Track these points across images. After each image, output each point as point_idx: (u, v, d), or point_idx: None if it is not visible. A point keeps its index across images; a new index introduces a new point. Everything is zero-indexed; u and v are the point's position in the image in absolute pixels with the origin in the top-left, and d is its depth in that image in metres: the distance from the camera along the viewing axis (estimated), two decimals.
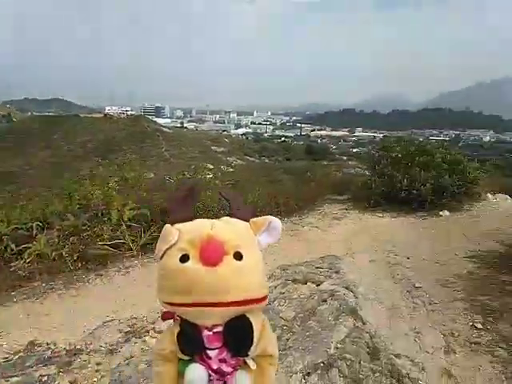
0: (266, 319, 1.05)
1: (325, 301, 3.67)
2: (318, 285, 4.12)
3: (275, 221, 1.05)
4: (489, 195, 7.83)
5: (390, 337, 3.26)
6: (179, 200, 1.06)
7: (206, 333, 0.96)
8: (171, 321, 1.01)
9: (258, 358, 1.03)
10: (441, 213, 6.53)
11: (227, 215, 1.06)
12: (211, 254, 0.92)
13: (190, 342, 0.96)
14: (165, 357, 1.01)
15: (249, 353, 0.97)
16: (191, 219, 1.01)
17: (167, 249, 0.96)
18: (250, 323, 0.97)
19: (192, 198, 1.08)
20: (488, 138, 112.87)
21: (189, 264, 0.93)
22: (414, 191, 6.52)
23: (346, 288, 4.02)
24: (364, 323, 3.30)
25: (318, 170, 14.89)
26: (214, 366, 0.97)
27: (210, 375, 0.97)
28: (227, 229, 0.99)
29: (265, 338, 1.02)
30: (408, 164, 6.99)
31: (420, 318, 3.53)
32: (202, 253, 0.92)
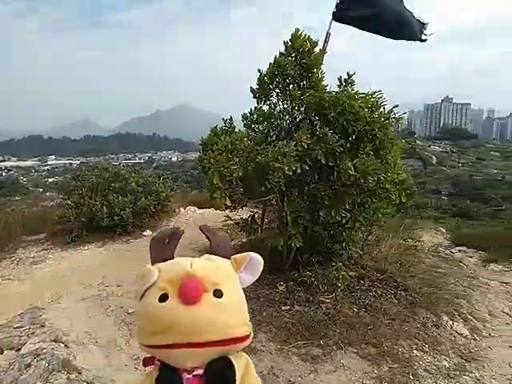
0: (250, 360, 0.99)
1: (29, 365, 3.12)
2: (18, 349, 3.45)
3: (256, 257, 1.04)
4: (181, 209, 8.95)
5: (110, 373, 3.14)
6: (161, 240, 1.02)
7: (185, 376, 0.91)
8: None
9: None
10: (144, 233, 6.93)
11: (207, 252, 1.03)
12: (190, 292, 0.89)
13: None
14: None
15: None
16: (171, 258, 0.99)
17: (147, 289, 0.92)
18: (232, 365, 0.93)
19: (174, 239, 1.04)
20: (175, 158, 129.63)
21: (167, 303, 0.90)
22: (116, 217, 6.59)
23: (55, 341, 3.57)
24: (80, 372, 3.02)
25: (6, 207, 12.55)
26: None
27: None
28: (207, 266, 0.97)
29: (248, 381, 0.98)
30: (105, 191, 6.99)
31: (137, 343, 3.59)
32: (181, 291, 0.89)
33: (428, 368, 3.27)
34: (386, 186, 4.30)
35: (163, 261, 1.00)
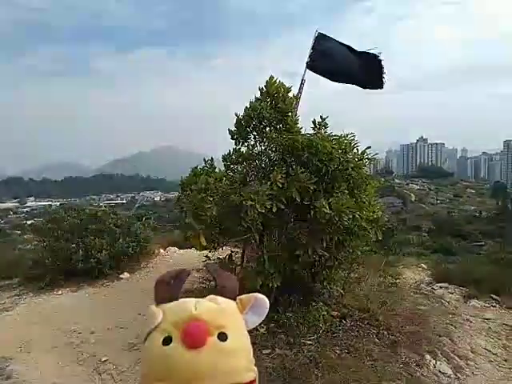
0: None
1: None
2: None
3: (261, 298, 0.98)
4: (161, 250, 8.80)
5: None
6: (166, 281, 0.98)
7: None
8: None
9: None
10: (121, 276, 6.74)
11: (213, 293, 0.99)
12: (194, 336, 0.86)
13: None
14: None
15: None
16: (177, 299, 0.94)
17: (150, 331, 0.88)
18: None
19: (180, 280, 1.00)
20: (159, 198, 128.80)
21: (171, 347, 0.85)
22: (92, 260, 6.43)
23: None
24: None
25: None
26: None
27: None
28: (212, 308, 0.93)
29: None
30: (82, 233, 6.85)
31: None
32: (185, 334, 0.86)
33: None
34: (361, 224, 4.38)
35: (168, 302, 0.96)
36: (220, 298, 0.98)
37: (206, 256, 5.08)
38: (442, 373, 3.92)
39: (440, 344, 4.55)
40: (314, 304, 4.60)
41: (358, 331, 4.41)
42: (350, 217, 4.10)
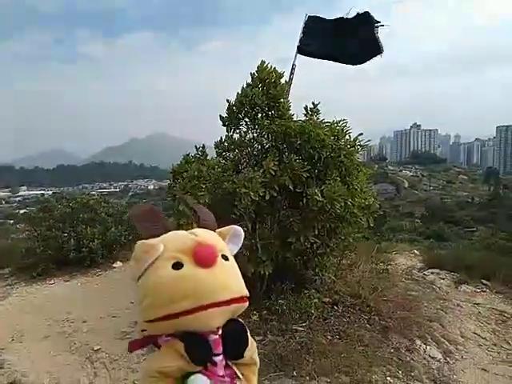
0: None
1: None
2: None
3: (238, 229, 1.11)
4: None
5: None
6: (147, 217, 1.04)
7: (212, 337, 0.95)
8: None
9: (243, 368, 1.01)
10: (114, 265, 6.72)
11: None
12: (207, 256, 0.94)
13: (202, 350, 0.93)
14: (166, 373, 0.93)
15: (244, 354, 0.99)
16: (164, 233, 1.00)
17: (152, 263, 0.94)
18: (244, 324, 1.01)
19: (156, 215, 1.06)
20: (152, 186, 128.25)
21: (185, 269, 0.92)
22: (84, 249, 6.39)
23: (13, 383, 3.35)
24: None
25: None
26: (220, 373, 0.96)
27: None
28: (210, 235, 1.03)
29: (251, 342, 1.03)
30: (74, 222, 6.80)
31: (102, 382, 3.41)
32: (198, 256, 0.93)
33: None
34: (353, 211, 4.37)
35: (157, 235, 1.00)
36: (205, 230, 1.08)
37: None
38: (432, 357, 3.97)
39: (430, 329, 4.61)
40: (305, 291, 4.62)
41: (349, 317, 4.45)
42: (342, 204, 4.09)
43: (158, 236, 1.00)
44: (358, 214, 4.46)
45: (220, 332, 0.96)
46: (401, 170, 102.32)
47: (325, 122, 4.59)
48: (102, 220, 6.87)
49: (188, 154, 6.02)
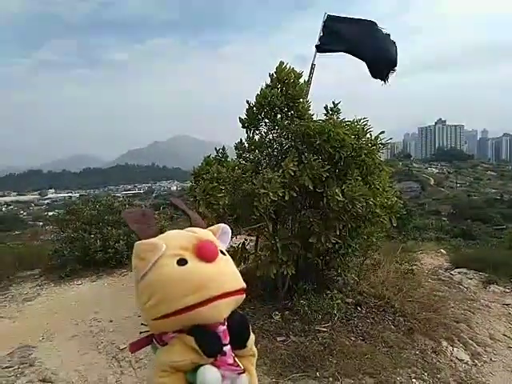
0: None
1: None
2: None
3: (226, 227, 1.16)
4: None
5: None
6: (140, 219, 1.09)
7: (221, 328, 0.99)
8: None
9: (242, 360, 1.06)
10: None
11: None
12: (210, 251, 0.99)
13: (213, 342, 0.96)
14: (178, 367, 0.97)
15: (247, 344, 1.06)
16: (158, 234, 1.04)
17: (155, 261, 0.96)
18: (244, 315, 1.07)
19: (149, 217, 1.10)
20: (175, 187, 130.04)
21: (190, 265, 0.96)
22: (110, 250, 6.56)
23: (43, 380, 3.49)
24: None
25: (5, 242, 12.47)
26: (230, 361, 1.00)
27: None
28: (207, 232, 1.09)
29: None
30: (99, 224, 6.98)
31: (128, 380, 3.49)
32: (201, 251, 0.98)
33: None
34: (375, 211, 4.31)
35: (154, 236, 1.05)
36: (199, 228, 1.13)
37: None
38: (459, 360, 3.87)
39: (457, 330, 4.49)
40: (328, 291, 4.59)
41: (373, 318, 4.39)
42: (364, 204, 4.03)
43: (154, 236, 1.05)
44: (380, 213, 4.39)
45: (226, 323, 1.02)
46: (426, 168, 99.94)
47: (345, 121, 4.55)
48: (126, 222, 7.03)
49: (209, 156, 6.08)
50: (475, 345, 4.27)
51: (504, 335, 4.70)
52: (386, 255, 6.76)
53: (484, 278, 6.80)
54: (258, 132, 5.16)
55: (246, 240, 5.30)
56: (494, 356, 4.11)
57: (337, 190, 4.00)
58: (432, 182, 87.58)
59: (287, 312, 4.50)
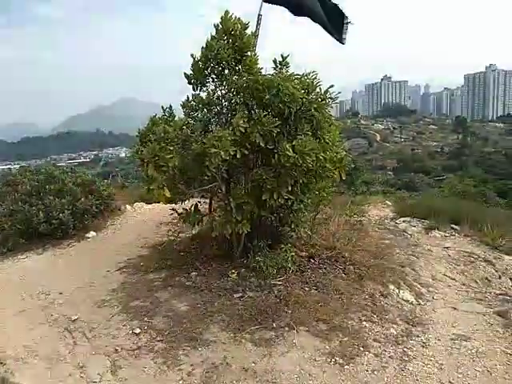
0: None
1: None
2: None
3: None
4: (128, 206, 8.59)
5: None
6: None
7: None
8: None
9: None
10: (87, 235, 6.57)
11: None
12: None
13: None
14: None
15: None
16: None
17: None
18: None
19: None
20: (124, 154, 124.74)
21: None
22: (54, 221, 6.18)
23: None
24: None
25: None
26: None
27: None
28: None
29: None
30: (40, 194, 6.53)
31: (82, 350, 3.40)
32: None
33: (377, 337, 3.39)
34: (325, 165, 4.35)
35: None
36: None
37: (172, 208, 4.98)
38: (405, 300, 4.16)
39: (403, 274, 4.80)
40: (282, 246, 4.66)
41: (325, 268, 4.56)
42: (314, 158, 4.04)
43: None
44: (330, 167, 4.44)
45: None
46: (373, 124, 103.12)
47: (294, 75, 4.45)
48: (70, 191, 6.61)
49: (155, 116, 5.77)
50: (419, 286, 4.60)
51: (444, 275, 5.10)
52: (336, 209, 6.97)
53: (426, 225, 7.25)
54: (205, 89, 4.94)
55: (199, 202, 5.21)
56: (435, 295, 4.46)
57: (287, 146, 3.97)
58: (378, 138, 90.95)
59: (243, 270, 4.55)
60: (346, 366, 2.98)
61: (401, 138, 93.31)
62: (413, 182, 47.63)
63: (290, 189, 4.24)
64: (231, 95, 4.70)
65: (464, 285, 4.85)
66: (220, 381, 2.87)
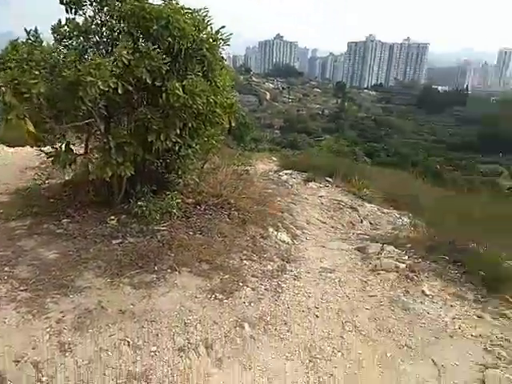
0: None
1: None
2: None
3: None
4: None
5: None
6: None
7: None
8: None
9: None
10: None
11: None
12: None
13: None
14: None
15: None
16: None
17: None
18: None
19: None
20: None
21: None
22: None
23: None
24: None
25: None
26: None
27: None
28: None
29: None
30: None
31: None
32: None
33: (255, 273, 3.62)
34: (215, 110, 4.27)
35: None
36: None
37: (39, 148, 4.37)
38: (282, 241, 4.50)
39: (282, 219, 5.16)
40: (168, 193, 4.54)
41: (211, 214, 4.61)
42: (204, 101, 3.92)
43: None
44: (220, 112, 4.38)
45: None
46: (264, 83, 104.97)
47: (185, 9, 4.15)
48: None
49: (17, 39, 4.87)
50: (295, 229, 5.02)
51: (317, 219, 5.65)
52: (225, 159, 7.06)
53: (305, 177, 7.88)
54: (82, 13, 4.30)
55: (73, 144, 4.68)
56: (308, 236, 4.93)
57: (177, 85, 3.75)
58: (268, 97, 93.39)
59: (124, 216, 4.34)
60: (225, 301, 3.13)
61: (289, 98, 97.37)
62: (296, 141, 50.85)
63: (178, 132, 4.08)
64: (114, 22, 4.20)
65: (332, 227, 5.46)
66: (94, 325, 2.74)
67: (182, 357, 2.55)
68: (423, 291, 3.49)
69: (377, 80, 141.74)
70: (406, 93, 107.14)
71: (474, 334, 2.95)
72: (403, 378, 2.54)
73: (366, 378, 2.52)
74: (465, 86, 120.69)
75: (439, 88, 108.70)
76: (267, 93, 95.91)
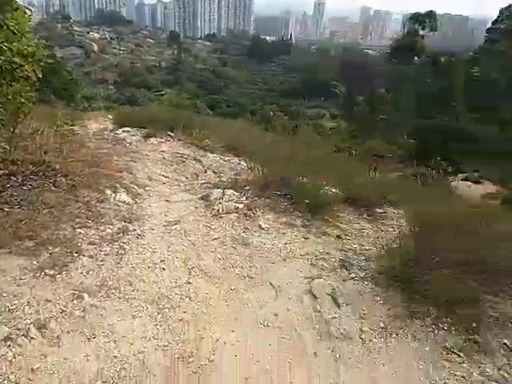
0: None
1: None
2: None
3: None
4: None
5: None
6: None
7: None
8: None
9: None
10: None
11: None
12: None
13: None
14: None
15: None
16: None
17: None
18: None
19: None
20: None
21: None
22: None
23: None
24: None
25: None
26: None
27: None
28: None
29: None
30: None
31: None
32: None
33: (92, 240, 3.34)
34: (14, 60, 3.58)
35: None
36: None
37: None
38: (122, 202, 4.25)
39: (121, 179, 4.85)
40: None
41: (31, 184, 3.99)
42: None
43: None
44: (20, 62, 3.69)
45: None
46: (88, 32, 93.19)
47: None
48: None
49: None
50: (136, 187, 4.79)
51: (160, 175, 5.51)
52: (44, 122, 6.14)
53: (145, 133, 7.50)
54: None
55: None
56: (152, 192, 4.78)
57: None
58: (96, 49, 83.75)
59: None
60: (58, 276, 2.81)
61: (120, 49, 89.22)
62: (135, 96, 47.80)
63: None
64: None
65: (176, 180, 5.41)
66: None
67: (9, 346, 2.23)
68: (260, 225, 3.82)
69: (209, 30, 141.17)
70: (237, 43, 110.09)
71: (302, 253, 3.40)
72: (246, 305, 2.78)
73: (214, 313, 2.67)
74: (289, 35, 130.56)
75: (267, 38, 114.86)
76: (94, 44, 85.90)
